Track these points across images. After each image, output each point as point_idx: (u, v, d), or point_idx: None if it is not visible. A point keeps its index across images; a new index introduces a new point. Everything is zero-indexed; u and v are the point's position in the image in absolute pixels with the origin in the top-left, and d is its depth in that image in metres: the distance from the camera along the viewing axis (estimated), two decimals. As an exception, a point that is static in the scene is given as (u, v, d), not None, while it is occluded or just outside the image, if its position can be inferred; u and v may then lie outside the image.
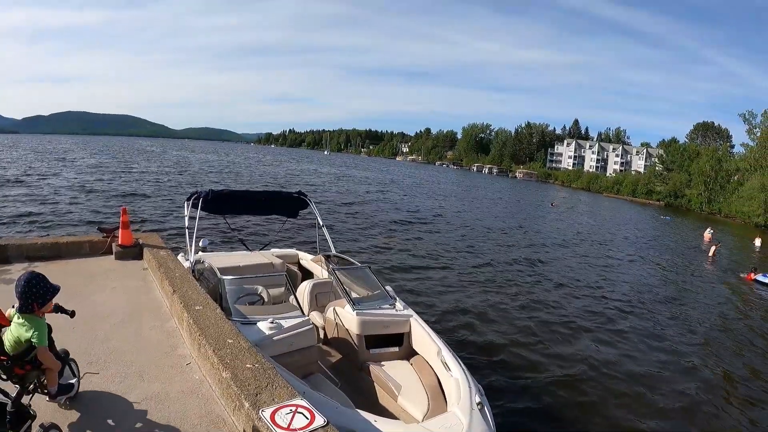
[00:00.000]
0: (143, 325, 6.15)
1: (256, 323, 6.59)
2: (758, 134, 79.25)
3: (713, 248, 34.04)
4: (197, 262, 9.06)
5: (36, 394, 4.04)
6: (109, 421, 4.18)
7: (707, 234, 44.60)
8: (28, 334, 3.78)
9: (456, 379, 6.56)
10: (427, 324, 7.98)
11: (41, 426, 3.71)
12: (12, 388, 3.78)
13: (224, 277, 7.54)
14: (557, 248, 28.63)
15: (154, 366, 5.13)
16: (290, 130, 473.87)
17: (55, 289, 4.01)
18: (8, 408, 3.64)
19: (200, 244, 10.37)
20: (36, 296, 3.84)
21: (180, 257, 9.89)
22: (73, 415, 4.22)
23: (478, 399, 6.08)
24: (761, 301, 21.38)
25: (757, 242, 44.24)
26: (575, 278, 21.08)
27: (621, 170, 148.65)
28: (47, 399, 4.20)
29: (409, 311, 8.16)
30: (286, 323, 6.69)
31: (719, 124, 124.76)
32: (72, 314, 4.35)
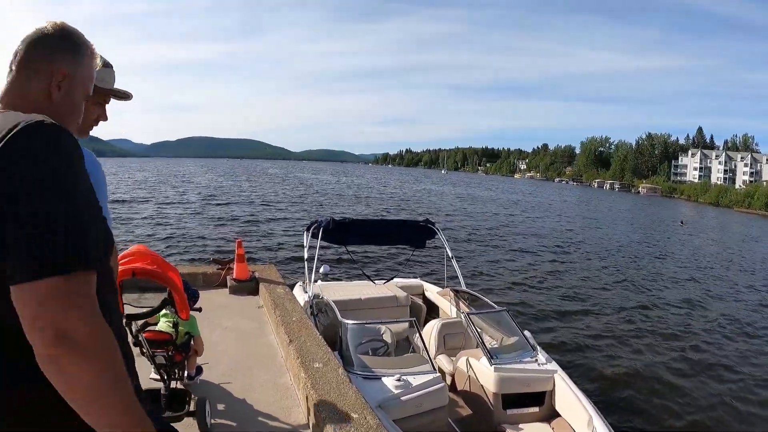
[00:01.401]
0: (255, 379, 5.50)
1: (380, 378, 5.80)
2: None
3: None
4: (315, 296, 8.39)
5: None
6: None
7: None
8: (187, 327, 4.67)
9: None
10: (573, 381, 6.84)
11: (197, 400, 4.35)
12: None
13: (346, 321, 6.77)
14: (705, 278, 26.16)
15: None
16: (407, 149, 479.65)
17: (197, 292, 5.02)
18: (162, 392, 4.31)
19: (321, 270, 9.79)
20: (192, 297, 4.59)
21: (297, 288, 9.48)
22: None
23: None
24: None
25: None
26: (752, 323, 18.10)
27: (751, 181, 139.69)
28: (186, 380, 4.98)
29: (553, 365, 7.02)
30: (414, 380, 5.84)
31: None
32: (200, 310, 4.97)
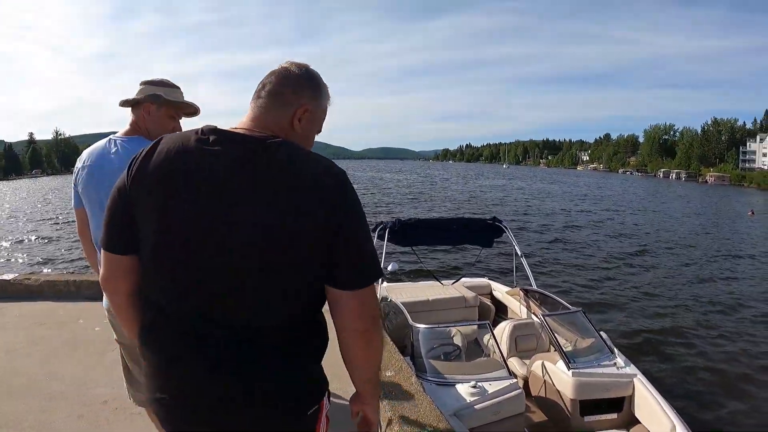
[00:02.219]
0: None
1: (454, 385, 5.65)
2: None
3: None
4: (383, 298, 8.29)
5: None
6: None
7: None
8: None
9: None
10: (654, 386, 6.49)
11: None
12: None
13: (417, 325, 6.65)
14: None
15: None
16: (467, 145, 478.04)
17: None
18: None
19: (390, 267, 9.68)
20: None
21: None
22: None
23: None
24: None
25: None
26: None
27: None
28: None
29: (633, 368, 6.69)
30: (490, 387, 5.66)
31: None
32: None
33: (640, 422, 6.31)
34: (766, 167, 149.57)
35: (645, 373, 6.81)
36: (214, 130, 1.84)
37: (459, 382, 5.68)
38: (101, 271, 2.01)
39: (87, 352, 5.99)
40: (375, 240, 9.03)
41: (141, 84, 3.35)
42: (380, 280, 8.48)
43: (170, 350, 1.86)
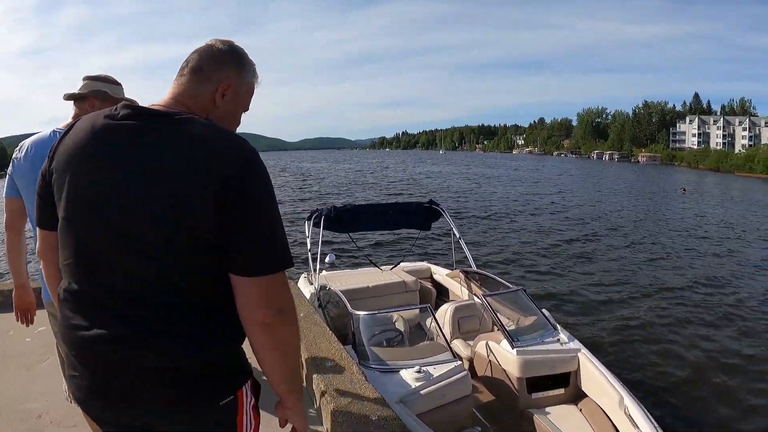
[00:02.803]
0: (264, 382, 5.02)
1: (398, 371, 5.46)
2: None
3: None
4: (322, 287, 8.02)
5: None
6: None
7: None
8: None
9: None
10: (598, 359, 6.51)
11: None
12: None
13: (357, 312, 6.42)
14: (700, 245, 25.84)
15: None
16: (403, 132, 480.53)
17: None
18: None
19: (327, 260, 9.46)
20: None
21: (302, 280, 9.22)
22: None
23: None
24: None
25: None
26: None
27: (750, 145, 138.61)
28: None
29: (576, 343, 6.68)
30: (435, 371, 5.50)
31: None
32: None
33: (587, 395, 6.28)
34: (695, 147, 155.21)
35: (588, 347, 6.81)
36: (126, 106, 1.79)
37: (403, 368, 5.50)
38: (38, 244, 2.09)
39: (18, 365, 5.71)
40: (311, 228, 9.02)
41: (84, 79, 3.46)
42: (318, 269, 8.38)
43: (75, 324, 1.80)
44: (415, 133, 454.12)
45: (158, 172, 1.66)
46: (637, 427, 5.33)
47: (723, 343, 12.27)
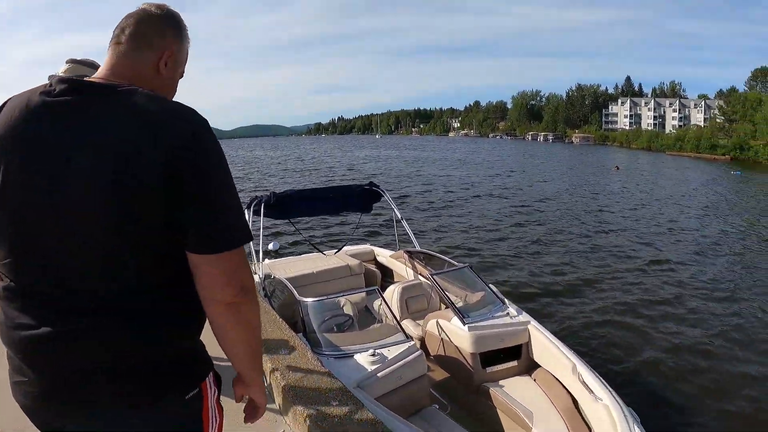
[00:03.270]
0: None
1: (353, 356, 5.38)
2: None
3: None
4: (266, 276, 7.93)
5: None
6: None
7: None
8: None
9: (605, 405, 5.13)
10: (548, 330, 6.61)
11: None
12: None
13: (304, 299, 6.27)
14: (633, 217, 26.92)
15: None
16: (339, 117, 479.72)
17: None
18: None
19: (270, 246, 9.31)
20: None
21: None
22: None
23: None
24: None
25: None
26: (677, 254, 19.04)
27: (680, 125, 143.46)
28: None
29: (525, 316, 6.77)
30: (389, 353, 5.45)
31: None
32: None
33: (540, 366, 6.36)
34: (627, 128, 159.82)
35: (537, 319, 6.89)
36: (63, 80, 1.64)
37: (357, 352, 5.43)
38: None
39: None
40: (251, 216, 8.66)
41: (68, 62, 3.48)
42: (262, 257, 8.30)
43: (20, 323, 1.65)
44: (351, 118, 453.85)
45: (101, 148, 1.53)
46: (592, 392, 5.42)
47: (664, 310, 12.79)
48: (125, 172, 1.51)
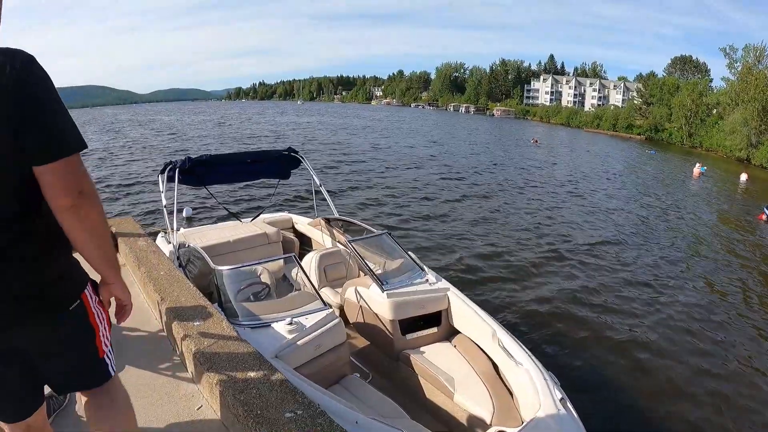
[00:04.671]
0: (130, 350, 4.63)
1: (270, 325, 5.24)
2: (739, 69, 78.62)
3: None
4: (181, 245, 7.57)
5: None
6: None
7: (696, 170, 43.53)
8: None
9: (526, 369, 5.24)
10: (468, 297, 6.65)
11: None
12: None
13: (219, 268, 6.04)
14: (552, 190, 27.81)
15: (153, 415, 3.75)
16: (260, 82, 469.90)
17: None
18: None
19: (183, 214, 9.04)
20: None
21: (160, 239, 8.62)
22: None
23: (559, 394, 4.84)
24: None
25: (743, 177, 43.13)
26: (584, 223, 20.26)
27: (599, 105, 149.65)
28: None
29: (444, 283, 6.79)
30: (307, 321, 5.33)
31: (697, 58, 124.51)
32: None
33: (460, 332, 6.41)
34: (548, 104, 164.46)
35: (456, 286, 6.91)
36: None
37: (274, 321, 5.29)
38: None
39: None
40: (164, 183, 8.35)
41: None
42: (176, 225, 7.89)
43: None
44: (273, 83, 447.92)
45: None
46: (512, 357, 5.50)
47: (581, 282, 13.24)
48: None
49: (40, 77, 1.90)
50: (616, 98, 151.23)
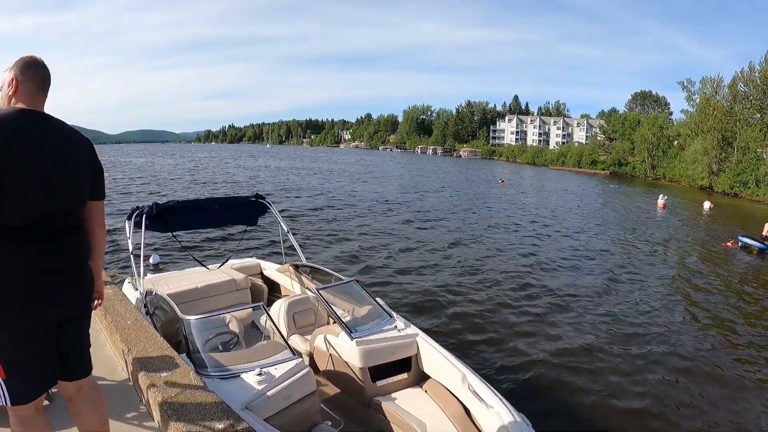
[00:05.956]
0: None
1: (239, 376, 5.22)
2: (697, 101, 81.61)
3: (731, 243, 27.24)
4: (148, 292, 7.46)
5: None
6: None
7: (660, 201, 44.44)
8: None
9: (497, 412, 5.28)
10: (437, 342, 6.71)
11: None
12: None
13: (187, 317, 5.99)
14: (520, 229, 28.01)
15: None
16: (230, 125, 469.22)
17: None
18: None
19: (151, 261, 8.95)
20: None
21: (127, 285, 8.50)
22: None
23: None
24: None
25: (706, 205, 44.92)
26: (554, 258, 20.53)
27: (563, 142, 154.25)
28: None
29: (413, 329, 6.86)
30: (277, 371, 5.32)
31: (656, 93, 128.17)
32: None
33: (430, 377, 6.44)
34: (513, 143, 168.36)
35: (425, 331, 6.97)
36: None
37: (243, 372, 5.27)
38: None
39: None
40: (131, 229, 8.25)
41: None
42: (143, 272, 7.77)
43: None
44: (242, 126, 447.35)
45: (68, 150, 3.25)
46: (483, 400, 5.54)
47: (549, 316, 13.62)
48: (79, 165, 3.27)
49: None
50: (579, 135, 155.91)
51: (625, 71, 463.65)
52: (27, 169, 2.83)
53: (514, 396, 6.41)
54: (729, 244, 25.62)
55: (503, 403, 5.41)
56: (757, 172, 61.76)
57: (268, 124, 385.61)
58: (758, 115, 65.99)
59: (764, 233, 26.41)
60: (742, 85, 69.62)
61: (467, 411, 5.74)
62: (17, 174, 2.80)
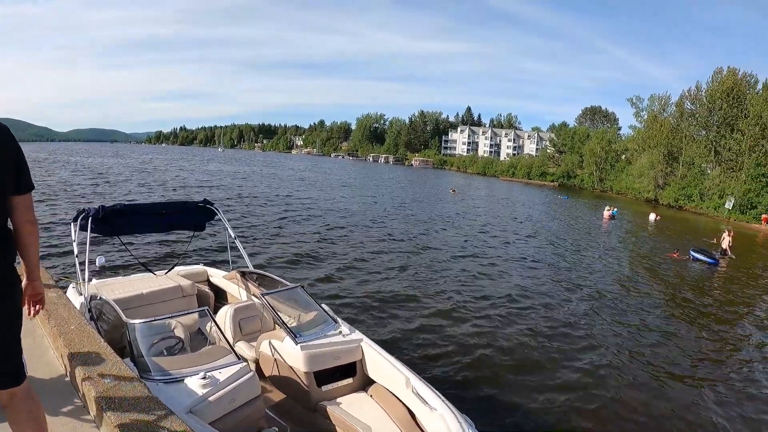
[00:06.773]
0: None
1: (183, 380, 5.22)
2: (645, 117, 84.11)
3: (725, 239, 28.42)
4: (93, 297, 7.27)
5: None
6: None
7: (607, 213, 45.59)
8: None
9: (441, 414, 5.41)
10: (381, 347, 6.84)
11: None
12: None
13: (132, 321, 5.95)
14: (467, 239, 28.30)
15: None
16: (181, 127, 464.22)
17: None
18: None
19: (97, 263, 8.79)
20: None
21: (71, 290, 8.33)
22: None
23: None
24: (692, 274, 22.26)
25: (652, 217, 46.53)
26: (501, 266, 20.90)
27: (514, 154, 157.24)
28: None
29: (358, 334, 6.98)
30: (221, 375, 5.36)
31: (606, 108, 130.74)
32: None
33: (375, 382, 6.56)
34: (465, 154, 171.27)
35: (369, 337, 7.09)
36: None
37: (187, 376, 5.27)
38: None
39: None
40: (77, 232, 8.06)
41: None
42: (87, 277, 7.64)
43: None
44: (194, 128, 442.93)
45: None
46: (427, 403, 5.69)
47: (492, 323, 13.77)
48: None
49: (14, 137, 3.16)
50: (530, 147, 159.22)
51: (577, 87, 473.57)
52: None
53: (457, 398, 6.52)
54: (675, 254, 26.34)
55: (447, 405, 5.55)
56: (701, 186, 64.56)
57: (221, 127, 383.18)
58: (704, 132, 68.56)
59: (723, 246, 27.10)
60: (689, 103, 72.29)
61: (412, 414, 5.86)
62: None
